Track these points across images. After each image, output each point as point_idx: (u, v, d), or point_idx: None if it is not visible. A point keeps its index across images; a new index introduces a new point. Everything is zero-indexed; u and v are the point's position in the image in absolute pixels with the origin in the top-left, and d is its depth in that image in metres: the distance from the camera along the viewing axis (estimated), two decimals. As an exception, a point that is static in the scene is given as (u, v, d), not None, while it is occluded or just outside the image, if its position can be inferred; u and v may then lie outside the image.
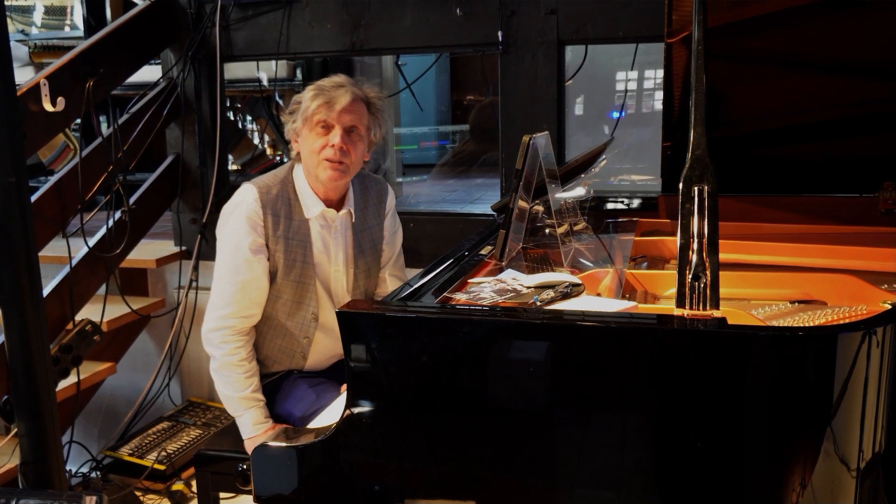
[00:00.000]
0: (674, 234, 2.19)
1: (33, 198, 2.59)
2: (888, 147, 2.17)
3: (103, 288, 2.98)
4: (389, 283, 2.30)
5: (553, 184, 1.97)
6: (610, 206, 2.63)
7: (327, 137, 2.04)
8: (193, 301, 3.28)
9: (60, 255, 2.84)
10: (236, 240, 2.05)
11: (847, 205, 2.31)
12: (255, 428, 2.05)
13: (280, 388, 2.16)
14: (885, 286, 1.70)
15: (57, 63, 2.73)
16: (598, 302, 1.57)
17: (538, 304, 1.50)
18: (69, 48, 3.15)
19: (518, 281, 1.63)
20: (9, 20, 1.96)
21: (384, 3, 3.00)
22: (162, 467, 2.86)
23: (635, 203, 2.61)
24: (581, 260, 1.91)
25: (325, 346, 2.20)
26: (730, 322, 1.25)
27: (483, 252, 1.89)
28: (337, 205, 2.15)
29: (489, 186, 4.74)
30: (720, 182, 1.34)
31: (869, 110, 2.10)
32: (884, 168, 2.23)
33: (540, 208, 2.04)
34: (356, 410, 1.40)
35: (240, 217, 2.06)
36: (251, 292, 2.07)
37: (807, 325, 1.54)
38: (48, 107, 2.63)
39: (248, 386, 2.07)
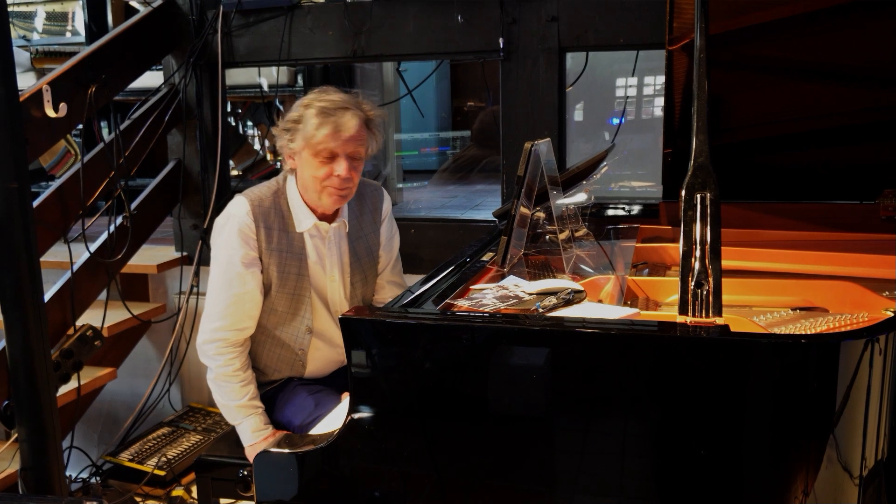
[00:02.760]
0: (675, 240, 2.20)
1: (35, 203, 2.59)
2: (888, 154, 2.17)
3: (104, 293, 2.98)
4: (388, 289, 2.27)
5: (554, 190, 1.97)
6: (611, 212, 2.63)
7: (332, 166, 1.99)
8: (194, 307, 3.28)
9: (62, 261, 2.85)
10: (229, 253, 2.03)
11: (848, 212, 2.31)
12: (254, 435, 2.04)
13: (279, 395, 2.15)
14: (887, 293, 1.70)
15: (59, 69, 2.73)
16: (601, 309, 1.57)
17: (540, 310, 1.50)
18: (70, 54, 3.16)
19: (520, 287, 1.63)
20: (10, 26, 1.96)
21: (385, 9, 3.01)
22: (162, 473, 2.86)
23: (636, 209, 2.61)
24: (582, 266, 1.91)
25: (323, 354, 2.19)
26: (732, 329, 1.25)
27: (485, 258, 1.89)
28: (330, 217, 2.12)
29: (490, 192, 4.75)
30: (722, 189, 1.34)
31: (869, 118, 2.11)
32: (884, 175, 2.23)
33: (541, 215, 2.05)
34: (357, 416, 1.40)
35: (232, 230, 2.03)
36: (244, 305, 2.05)
37: (809, 332, 1.54)
38: (50, 112, 2.63)
39: (244, 395, 2.06)
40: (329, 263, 2.14)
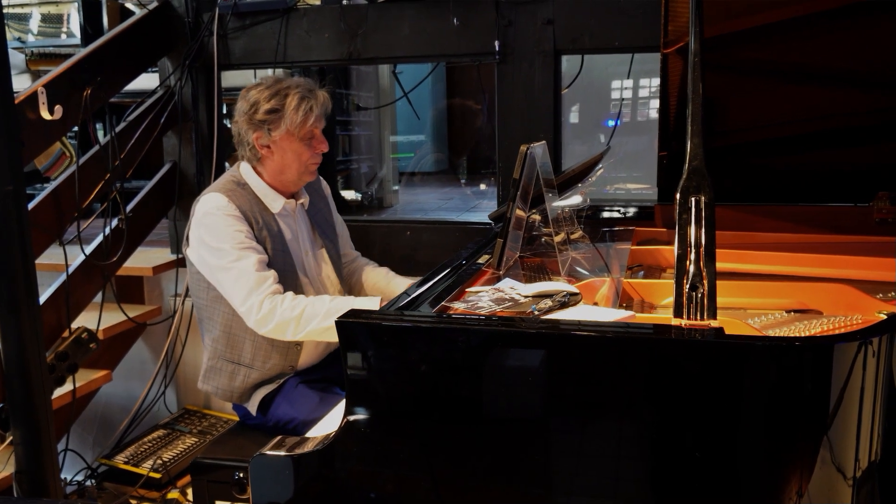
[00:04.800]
0: (670, 243, 2.20)
1: (30, 206, 2.58)
2: (883, 157, 2.18)
3: (99, 296, 2.97)
4: (353, 254, 2.47)
5: (550, 193, 1.98)
6: (606, 214, 2.63)
7: (314, 145, 2.14)
8: (189, 309, 3.27)
9: (57, 263, 2.84)
10: (232, 235, 2.06)
11: (842, 214, 2.32)
12: (370, 303, 2.03)
13: (281, 392, 2.17)
14: (881, 295, 1.71)
15: (55, 71, 2.73)
16: (596, 311, 1.57)
17: (536, 313, 1.51)
18: (66, 56, 3.15)
19: (516, 290, 1.63)
20: (5, 28, 1.96)
21: (382, 12, 3.01)
22: (157, 475, 2.85)
23: (631, 212, 2.61)
24: (578, 269, 1.92)
25: None
26: (727, 332, 1.26)
27: (480, 261, 1.90)
28: (291, 196, 2.25)
29: (487, 195, 4.76)
30: (716, 192, 1.35)
31: (863, 121, 2.12)
32: (878, 178, 2.24)
33: (537, 217, 2.05)
34: (353, 419, 1.40)
35: (224, 217, 2.08)
36: (268, 268, 2.09)
37: (803, 334, 1.55)
38: (46, 115, 2.63)
39: (324, 301, 2.00)
40: (302, 239, 2.24)
